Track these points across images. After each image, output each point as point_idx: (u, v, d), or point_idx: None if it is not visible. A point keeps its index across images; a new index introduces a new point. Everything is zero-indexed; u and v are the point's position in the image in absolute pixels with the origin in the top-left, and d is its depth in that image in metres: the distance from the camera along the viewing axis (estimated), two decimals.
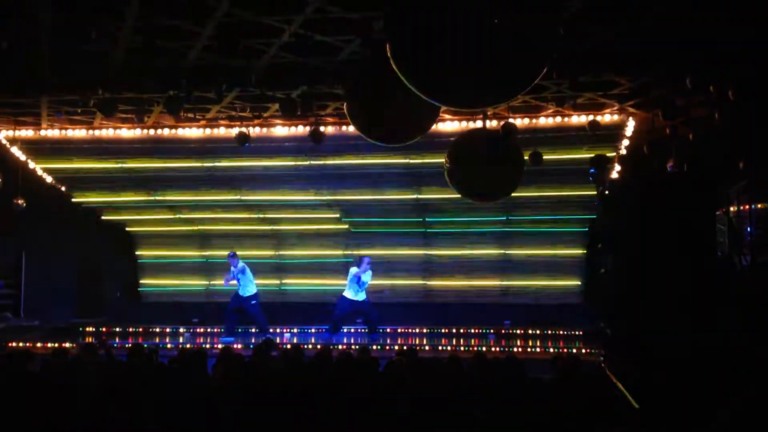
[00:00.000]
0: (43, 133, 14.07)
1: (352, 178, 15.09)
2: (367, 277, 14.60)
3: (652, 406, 6.65)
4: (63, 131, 14.05)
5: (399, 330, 15.38)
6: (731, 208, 12.19)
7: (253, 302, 14.77)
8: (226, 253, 15.41)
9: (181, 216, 16.86)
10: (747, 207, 12.10)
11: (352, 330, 15.40)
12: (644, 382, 7.61)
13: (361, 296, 14.63)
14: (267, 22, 8.80)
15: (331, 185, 15.47)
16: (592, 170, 12.17)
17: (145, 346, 10.04)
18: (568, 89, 10.87)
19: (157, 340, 14.52)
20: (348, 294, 14.61)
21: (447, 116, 12.60)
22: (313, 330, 14.94)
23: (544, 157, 12.10)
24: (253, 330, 15.14)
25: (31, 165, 14.95)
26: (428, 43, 4.12)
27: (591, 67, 10.18)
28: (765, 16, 8.34)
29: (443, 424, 5.46)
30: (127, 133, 14.02)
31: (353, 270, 14.62)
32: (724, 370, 7.86)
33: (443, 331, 15.08)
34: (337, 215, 16.35)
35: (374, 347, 12.54)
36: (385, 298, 16.17)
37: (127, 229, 17.49)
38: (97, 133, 14.05)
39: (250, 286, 14.87)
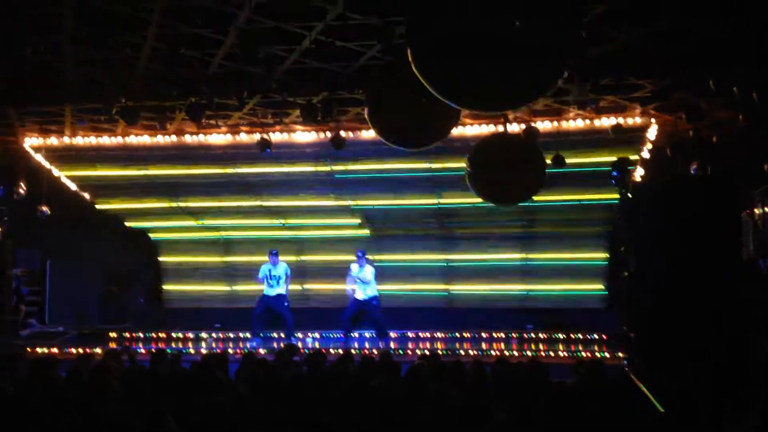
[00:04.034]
0: (67, 140, 14.20)
1: (373, 183, 15.11)
2: (365, 274, 14.50)
3: (678, 410, 6.59)
4: (87, 139, 14.16)
5: (421, 335, 15.33)
6: (756, 210, 12.08)
7: (286, 303, 14.76)
8: (248, 259, 15.42)
9: (204, 223, 16.94)
10: None
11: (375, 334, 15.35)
12: (669, 387, 7.55)
13: (366, 294, 14.50)
14: (288, 28, 8.85)
15: (352, 191, 15.49)
16: (614, 173, 12.10)
17: (168, 351, 10.09)
18: (591, 92, 10.81)
19: (180, 346, 14.57)
20: (356, 294, 14.55)
21: (468, 120, 12.58)
22: (334, 335, 14.92)
23: (567, 161, 12.06)
24: (275, 335, 15.11)
25: (56, 172, 15.10)
26: (449, 47, 4.12)
27: (613, 70, 10.14)
28: None
29: (466, 428, 5.44)
30: (149, 140, 14.12)
31: (353, 268, 14.56)
32: (749, 374, 7.78)
33: (466, 335, 15.01)
34: (359, 221, 16.37)
35: (396, 351, 12.51)
36: (405, 302, 16.28)
37: (150, 235, 17.60)
38: (120, 140, 14.17)
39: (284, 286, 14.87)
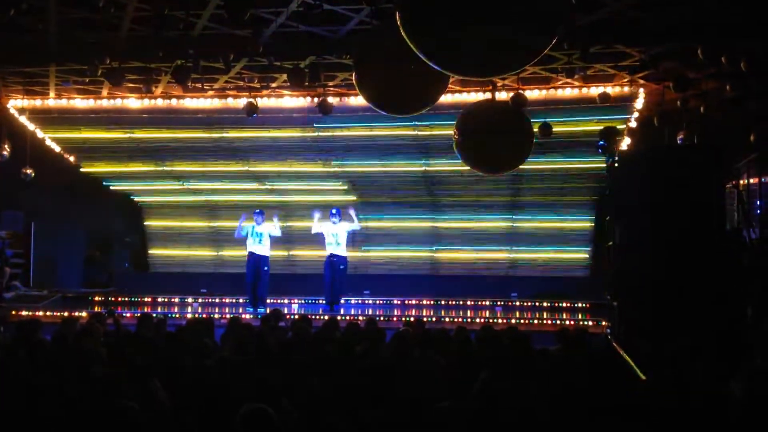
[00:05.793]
0: (51, 102, 14.06)
1: (360, 149, 15.06)
2: (340, 228, 14.11)
3: (659, 378, 6.66)
4: (71, 101, 14.03)
5: (406, 301, 15.39)
6: (741, 181, 12.14)
7: (266, 267, 14.43)
8: (234, 224, 15.29)
9: (189, 187, 16.87)
10: (756, 180, 12.06)
11: (360, 301, 15.39)
12: (651, 354, 7.62)
13: (340, 250, 14.18)
14: None
15: (338, 156, 15.43)
16: (601, 142, 12.10)
17: (154, 315, 10.07)
18: (579, 60, 10.79)
19: (166, 310, 14.55)
20: (329, 249, 14.26)
21: (456, 87, 12.52)
22: (321, 301, 14.95)
23: (554, 129, 12.06)
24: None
25: (40, 134, 14.95)
26: (438, 11, 4.09)
27: (602, 38, 10.10)
28: None
29: (450, 395, 5.47)
30: (135, 103, 14.00)
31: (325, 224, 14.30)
32: (732, 343, 7.87)
33: (450, 303, 15.07)
34: (345, 187, 16.33)
35: (381, 318, 12.54)
36: (390, 269, 16.32)
37: (135, 199, 17.53)
38: (105, 102, 14.04)
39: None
